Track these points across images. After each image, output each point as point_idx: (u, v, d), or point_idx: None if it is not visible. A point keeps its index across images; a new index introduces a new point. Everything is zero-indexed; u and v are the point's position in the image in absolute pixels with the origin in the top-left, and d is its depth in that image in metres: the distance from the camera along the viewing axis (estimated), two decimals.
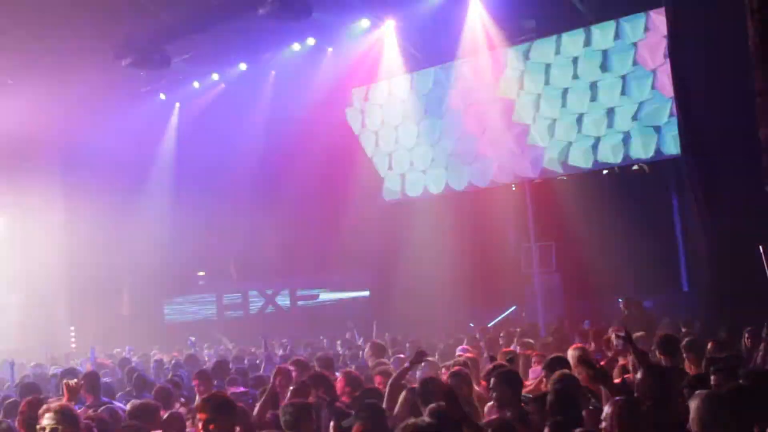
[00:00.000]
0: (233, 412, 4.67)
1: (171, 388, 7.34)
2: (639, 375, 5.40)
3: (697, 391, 4.23)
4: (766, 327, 7.82)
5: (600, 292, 16.41)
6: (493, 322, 16.15)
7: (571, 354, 6.78)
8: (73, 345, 19.44)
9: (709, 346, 7.02)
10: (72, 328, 19.91)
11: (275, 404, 5.87)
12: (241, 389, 7.66)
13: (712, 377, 5.25)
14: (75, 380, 5.78)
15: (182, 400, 7.32)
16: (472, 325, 14.72)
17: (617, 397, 4.44)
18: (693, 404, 4.04)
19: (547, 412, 4.91)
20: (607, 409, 4.19)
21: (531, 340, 9.89)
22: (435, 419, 4.19)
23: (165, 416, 5.71)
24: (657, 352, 6.63)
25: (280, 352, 12.53)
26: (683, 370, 6.41)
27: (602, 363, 7.24)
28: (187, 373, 9.41)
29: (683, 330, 9.84)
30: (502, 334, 11.45)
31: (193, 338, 13.37)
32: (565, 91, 15.95)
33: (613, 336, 7.82)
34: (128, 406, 6.11)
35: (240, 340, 16.77)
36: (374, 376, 7.14)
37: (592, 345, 9.12)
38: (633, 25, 14.98)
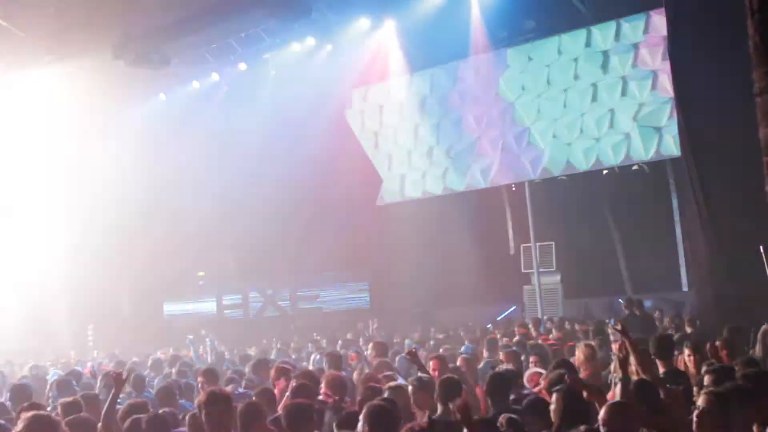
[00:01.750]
0: (231, 408, 4.75)
1: (174, 387, 7.33)
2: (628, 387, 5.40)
3: (704, 389, 4.24)
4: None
5: (600, 292, 16.43)
6: (500, 317, 16.20)
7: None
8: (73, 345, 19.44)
9: (718, 344, 7.00)
10: (72, 328, 19.91)
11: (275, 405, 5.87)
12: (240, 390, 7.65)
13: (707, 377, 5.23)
14: (120, 371, 5.76)
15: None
16: (471, 324, 14.73)
17: (611, 401, 4.44)
18: (700, 401, 4.07)
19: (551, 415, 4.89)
20: (601, 414, 4.18)
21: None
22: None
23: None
24: (652, 354, 6.59)
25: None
26: (679, 371, 6.38)
27: None
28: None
29: (688, 330, 9.82)
30: (500, 334, 11.47)
31: (191, 337, 13.35)
32: (566, 91, 15.96)
33: (609, 328, 7.82)
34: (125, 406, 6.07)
35: (239, 340, 16.79)
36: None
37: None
38: (633, 26, 14.99)
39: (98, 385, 8.03)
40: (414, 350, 7.17)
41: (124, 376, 5.74)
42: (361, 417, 4.46)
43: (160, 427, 5.11)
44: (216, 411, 4.67)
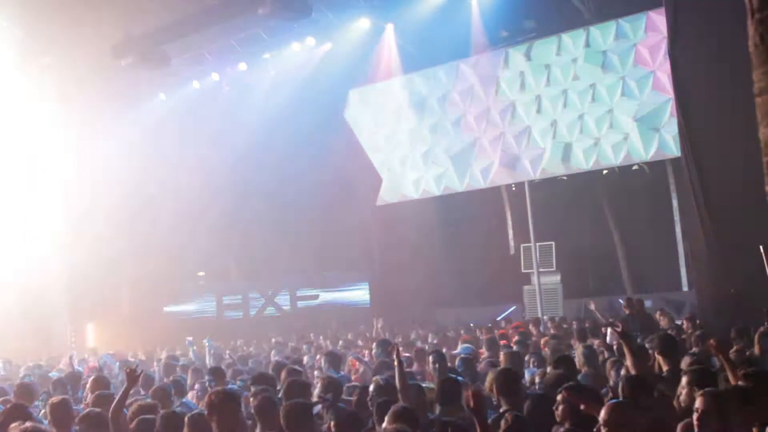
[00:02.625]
0: (237, 406, 4.77)
1: (170, 387, 7.32)
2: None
3: (702, 391, 4.24)
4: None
5: (600, 292, 16.45)
6: (500, 317, 16.20)
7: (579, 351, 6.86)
8: (73, 345, 19.43)
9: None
10: (72, 328, 19.90)
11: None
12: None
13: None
14: (135, 367, 5.76)
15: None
16: (472, 324, 14.74)
17: (611, 400, 4.43)
18: (697, 403, 4.07)
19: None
20: (602, 413, 4.17)
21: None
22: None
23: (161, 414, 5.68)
24: (655, 353, 6.60)
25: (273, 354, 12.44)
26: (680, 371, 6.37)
27: None
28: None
29: (689, 331, 9.82)
30: (498, 334, 11.47)
31: (190, 338, 13.32)
32: (565, 91, 15.96)
33: (608, 330, 7.80)
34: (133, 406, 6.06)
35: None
36: None
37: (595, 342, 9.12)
38: (633, 26, 14.99)
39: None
40: (395, 347, 7.15)
41: (137, 373, 5.72)
42: (386, 417, 4.53)
43: (175, 426, 5.11)
44: (228, 410, 4.69)
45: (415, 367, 8.25)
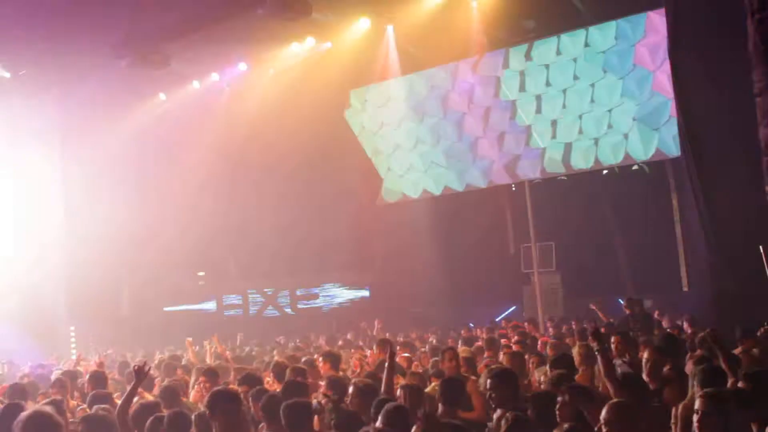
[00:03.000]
0: (237, 406, 4.76)
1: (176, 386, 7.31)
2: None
3: (701, 392, 4.25)
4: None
5: (600, 292, 16.43)
6: (500, 317, 16.22)
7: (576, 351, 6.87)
8: (73, 345, 19.42)
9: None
10: (72, 328, 19.89)
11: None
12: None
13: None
14: (143, 364, 5.74)
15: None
16: (472, 325, 14.74)
17: (613, 400, 4.43)
18: (697, 404, 4.07)
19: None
20: (603, 413, 4.17)
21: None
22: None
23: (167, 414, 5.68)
24: (662, 351, 6.59)
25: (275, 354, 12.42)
26: (684, 372, 6.37)
27: None
28: None
29: (690, 331, 9.81)
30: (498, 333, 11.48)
31: (190, 339, 13.30)
32: (565, 91, 15.97)
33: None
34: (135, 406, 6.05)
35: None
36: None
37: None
38: (633, 26, 14.99)
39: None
40: (389, 347, 7.15)
41: (146, 369, 5.69)
42: (380, 416, 4.52)
43: (181, 426, 5.10)
44: (228, 410, 4.67)
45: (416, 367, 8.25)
